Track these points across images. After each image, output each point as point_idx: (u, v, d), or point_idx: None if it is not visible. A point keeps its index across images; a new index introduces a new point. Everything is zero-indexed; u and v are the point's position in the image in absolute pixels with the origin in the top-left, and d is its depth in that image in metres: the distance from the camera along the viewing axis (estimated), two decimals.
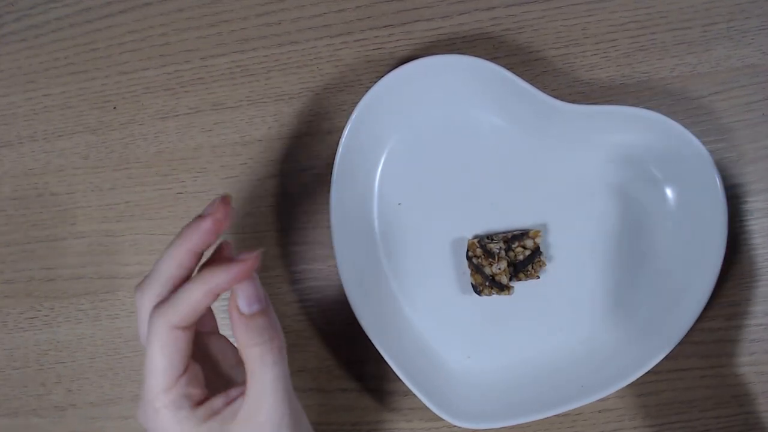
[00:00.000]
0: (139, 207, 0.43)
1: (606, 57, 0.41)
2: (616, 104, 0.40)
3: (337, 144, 0.38)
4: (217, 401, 0.29)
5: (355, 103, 0.38)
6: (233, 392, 0.29)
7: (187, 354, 0.28)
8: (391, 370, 0.38)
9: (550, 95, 0.37)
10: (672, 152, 0.38)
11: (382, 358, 0.38)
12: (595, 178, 0.40)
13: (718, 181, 0.37)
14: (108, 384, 0.43)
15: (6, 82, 0.44)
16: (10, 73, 0.44)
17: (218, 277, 0.27)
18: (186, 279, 0.29)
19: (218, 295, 0.27)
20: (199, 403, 0.28)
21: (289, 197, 0.42)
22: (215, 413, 0.28)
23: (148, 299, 0.28)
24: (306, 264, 0.42)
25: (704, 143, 0.37)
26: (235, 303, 0.28)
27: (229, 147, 0.42)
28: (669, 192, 0.39)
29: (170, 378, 0.27)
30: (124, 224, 0.43)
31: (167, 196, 0.43)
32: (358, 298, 0.38)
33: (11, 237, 0.44)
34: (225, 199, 0.28)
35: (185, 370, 0.28)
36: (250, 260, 0.27)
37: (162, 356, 0.27)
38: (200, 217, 0.28)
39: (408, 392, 0.39)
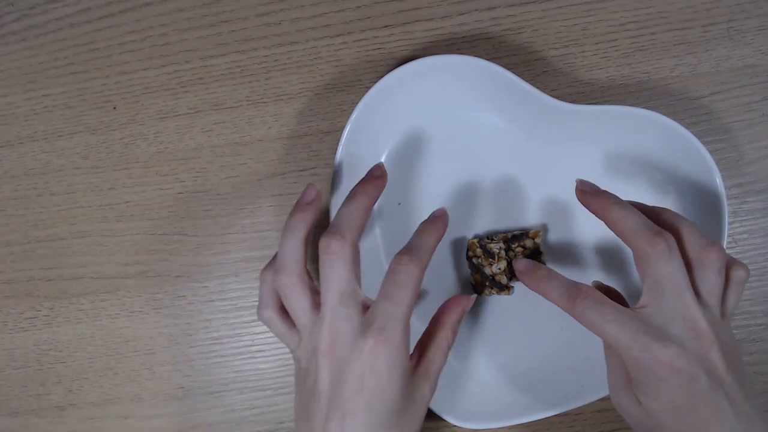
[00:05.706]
0: (139, 207, 0.43)
1: (606, 57, 0.41)
2: (616, 104, 0.40)
3: (337, 144, 0.38)
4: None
5: (355, 103, 0.38)
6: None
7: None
8: None
9: (550, 95, 0.37)
10: (672, 152, 0.38)
11: None
12: (595, 178, 0.40)
13: (718, 181, 0.37)
14: (108, 384, 0.43)
15: (6, 82, 0.44)
16: (10, 73, 0.44)
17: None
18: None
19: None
20: (364, 309, 0.32)
21: (289, 197, 0.42)
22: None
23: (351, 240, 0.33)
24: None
25: (704, 143, 0.37)
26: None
27: (229, 147, 0.42)
28: (669, 192, 0.39)
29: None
30: (124, 224, 0.43)
31: (167, 196, 0.43)
32: None
33: (11, 237, 0.44)
34: (380, 167, 0.36)
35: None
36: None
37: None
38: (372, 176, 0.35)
39: None
